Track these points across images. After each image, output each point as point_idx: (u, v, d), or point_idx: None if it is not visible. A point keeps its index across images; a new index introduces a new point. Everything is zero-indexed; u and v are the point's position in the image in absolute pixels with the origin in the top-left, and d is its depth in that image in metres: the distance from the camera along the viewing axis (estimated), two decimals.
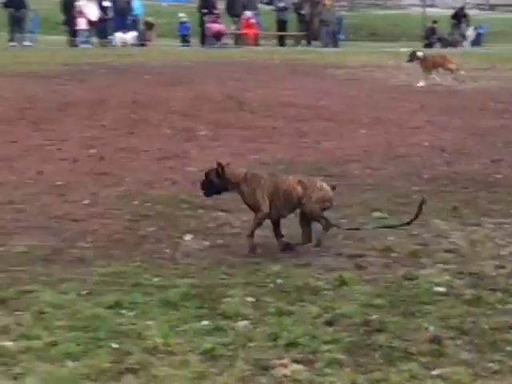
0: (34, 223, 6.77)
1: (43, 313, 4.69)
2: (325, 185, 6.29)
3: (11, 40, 25.66)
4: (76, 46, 25.80)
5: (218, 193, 6.34)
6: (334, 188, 6.33)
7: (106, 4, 26.74)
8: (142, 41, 27.12)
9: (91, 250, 6.08)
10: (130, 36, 27.04)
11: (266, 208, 6.09)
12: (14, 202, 7.40)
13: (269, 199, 6.12)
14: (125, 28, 27.01)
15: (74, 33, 26.19)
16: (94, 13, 26.32)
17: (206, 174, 6.29)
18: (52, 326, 4.50)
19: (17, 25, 25.73)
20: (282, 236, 6.24)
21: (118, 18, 26.85)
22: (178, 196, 7.72)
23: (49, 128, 11.36)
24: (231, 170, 6.24)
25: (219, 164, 6.19)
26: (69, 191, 7.79)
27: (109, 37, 26.81)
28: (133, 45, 26.63)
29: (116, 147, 10.17)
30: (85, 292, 5.08)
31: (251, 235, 6.13)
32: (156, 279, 5.35)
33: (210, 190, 6.33)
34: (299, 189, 6.16)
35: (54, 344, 4.23)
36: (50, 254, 5.94)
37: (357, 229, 6.45)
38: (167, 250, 6.09)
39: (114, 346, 4.24)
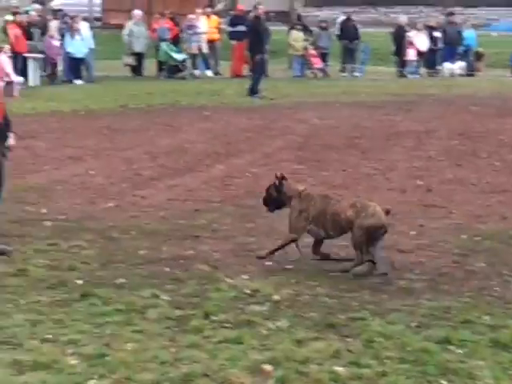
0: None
1: (372, 341, 4.76)
2: (378, 209, 6.13)
3: (342, 70, 26.61)
4: (404, 76, 26.06)
5: (279, 207, 6.54)
6: (388, 212, 6.17)
7: (437, 34, 26.73)
8: (470, 71, 26.72)
9: (418, 282, 6.06)
10: (458, 66, 26.76)
11: (298, 234, 6.31)
12: None
13: (315, 219, 6.22)
14: (453, 58, 26.79)
15: (402, 63, 26.50)
16: (424, 43, 26.44)
17: (267, 189, 6.54)
18: (381, 355, 4.54)
19: (349, 56, 26.65)
20: (320, 253, 6.43)
21: (447, 48, 26.71)
22: (508, 231, 7.45)
23: (376, 157, 11.55)
24: (289, 184, 6.48)
25: (277, 177, 6.33)
26: (397, 221, 7.85)
27: (437, 67, 26.76)
28: (460, 75, 26.33)
29: (443, 179, 10.10)
30: (413, 324, 5.08)
31: (272, 253, 6.40)
32: (486, 317, 5.20)
33: (271, 205, 6.59)
34: (350, 212, 6.14)
35: (383, 374, 4.27)
36: (378, 283, 6.02)
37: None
38: (497, 288, 5.90)
39: (444, 383, 4.18)
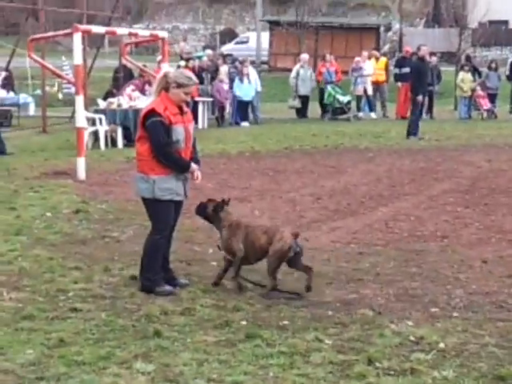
0: None
1: None
2: (285, 234, 6.61)
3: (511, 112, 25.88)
4: None
5: (206, 219, 7.05)
6: (296, 236, 6.62)
7: None
8: None
9: None
10: None
11: (241, 253, 6.71)
12: None
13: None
14: None
15: None
16: None
17: (209, 200, 7.01)
18: None
19: None
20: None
21: None
22: None
23: None
24: (227, 211, 6.91)
25: (224, 201, 6.90)
26: None
27: None
28: None
29: None
30: None
31: (235, 278, 6.78)
32: None
33: (201, 213, 7.04)
34: (262, 240, 6.64)
35: None
36: None
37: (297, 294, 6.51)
38: None
39: None
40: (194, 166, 6.89)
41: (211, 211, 7.02)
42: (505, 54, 40.53)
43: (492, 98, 25.35)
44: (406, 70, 22.01)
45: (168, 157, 6.73)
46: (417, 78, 19.17)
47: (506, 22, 45.68)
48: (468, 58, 27.32)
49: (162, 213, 6.85)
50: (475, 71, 25.79)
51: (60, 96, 28.57)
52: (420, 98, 19.00)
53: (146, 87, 20.55)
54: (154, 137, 6.68)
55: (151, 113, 6.71)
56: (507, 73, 26.13)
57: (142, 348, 5.42)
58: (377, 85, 25.57)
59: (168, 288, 6.81)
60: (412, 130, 19.02)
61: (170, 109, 6.73)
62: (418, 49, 19.89)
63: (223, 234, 6.98)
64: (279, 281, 6.85)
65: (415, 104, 19.19)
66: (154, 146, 6.69)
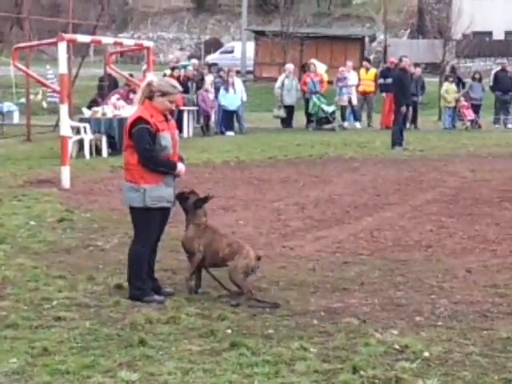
0: None
1: None
2: (251, 253, 6.78)
3: (495, 122, 26.04)
4: None
5: (183, 208, 7.06)
6: (259, 258, 6.82)
7: None
8: None
9: None
10: None
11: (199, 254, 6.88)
12: (497, 286, 7.36)
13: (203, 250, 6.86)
14: None
15: None
16: None
17: (192, 192, 7.05)
18: None
19: (502, 107, 26.08)
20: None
21: None
22: None
23: None
24: (203, 211, 6.97)
25: (206, 198, 6.99)
26: None
27: None
28: None
29: None
30: None
31: (190, 278, 6.97)
32: None
33: (181, 200, 6.99)
34: (226, 251, 6.81)
35: None
36: None
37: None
38: None
39: None
40: (180, 164, 6.89)
41: (191, 204, 7.05)
42: (488, 65, 40.80)
43: (476, 108, 25.52)
44: (391, 80, 22.12)
45: (155, 161, 6.72)
46: (399, 89, 19.30)
47: (489, 34, 46.05)
48: (453, 69, 27.47)
49: (149, 222, 6.84)
50: (459, 82, 25.96)
51: (44, 104, 28.50)
52: (403, 108, 19.11)
53: (131, 95, 20.53)
54: (139, 143, 6.67)
55: (138, 120, 6.70)
56: (491, 84, 26.31)
57: (126, 357, 5.39)
58: (364, 95, 25.68)
59: (157, 298, 6.80)
60: (396, 140, 19.10)
61: (156, 116, 6.74)
62: (400, 60, 20.04)
63: (189, 231, 7.03)
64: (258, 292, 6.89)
65: (398, 114, 19.29)
66: (140, 152, 6.68)
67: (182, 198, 7.09)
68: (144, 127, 6.65)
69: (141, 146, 6.67)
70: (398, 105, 19.23)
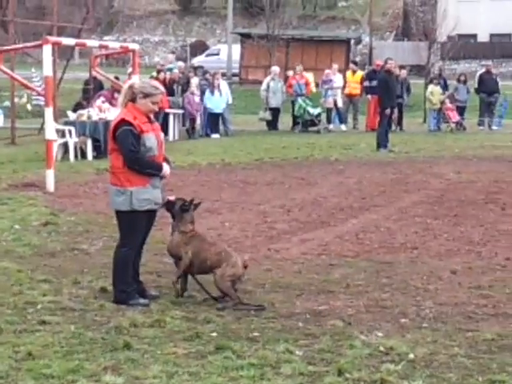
0: (501, 310, 6.69)
1: None
2: (239, 261, 6.78)
3: (480, 124, 26.15)
4: None
5: (171, 214, 7.04)
6: (246, 267, 6.83)
7: None
8: None
9: None
10: None
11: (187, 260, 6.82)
12: (482, 288, 7.39)
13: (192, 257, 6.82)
14: None
15: None
16: None
17: (178, 198, 7.02)
18: None
19: (487, 109, 26.19)
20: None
21: None
22: None
23: None
24: (191, 217, 6.96)
25: (192, 201, 6.97)
26: None
27: None
28: None
29: None
30: None
31: (177, 282, 6.92)
32: None
33: (168, 207, 7.00)
34: (214, 259, 6.79)
35: None
36: None
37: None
38: None
39: None
40: (165, 166, 6.88)
41: (178, 208, 7.02)
42: (473, 67, 40.99)
43: (461, 110, 25.61)
44: (376, 82, 22.15)
45: (140, 163, 6.70)
46: (384, 91, 19.34)
47: (474, 36, 46.27)
48: (440, 72, 27.50)
49: (135, 225, 6.82)
50: (445, 84, 26.06)
51: (29, 107, 28.38)
52: (388, 110, 19.15)
53: (116, 95, 20.50)
54: (124, 145, 6.65)
55: (121, 123, 6.69)
56: (476, 86, 26.42)
57: (111, 360, 5.38)
58: (350, 98, 25.73)
59: (142, 301, 6.78)
60: (381, 142, 19.15)
61: (139, 118, 6.72)
62: (385, 62, 20.09)
63: (175, 237, 7.00)
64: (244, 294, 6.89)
65: (383, 117, 19.34)
66: (125, 154, 6.66)
67: (169, 204, 7.07)
68: (128, 129, 6.64)
69: (125, 148, 6.65)
70: (383, 107, 19.29)
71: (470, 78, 27.22)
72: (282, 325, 6.23)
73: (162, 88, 7.11)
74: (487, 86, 26.01)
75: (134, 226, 6.82)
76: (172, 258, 7.12)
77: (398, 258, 8.65)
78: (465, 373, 5.23)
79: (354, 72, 26.23)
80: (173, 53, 38.05)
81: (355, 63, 28.32)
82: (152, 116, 6.97)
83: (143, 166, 6.73)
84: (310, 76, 25.55)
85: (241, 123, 25.86)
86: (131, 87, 6.82)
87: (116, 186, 6.78)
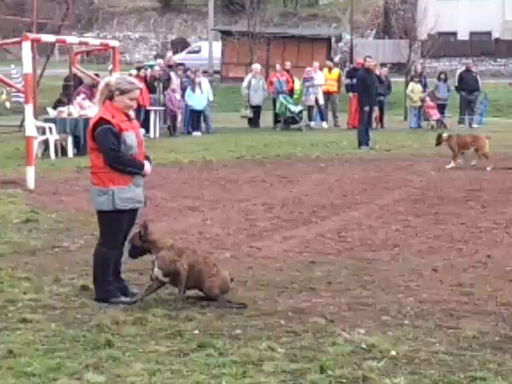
0: (482, 308, 6.72)
1: None
2: (227, 276, 6.81)
3: (460, 122, 26.27)
4: None
5: (141, 255, 6.81)
6: (232, 280, 6.87)
7: None
8: None
9: None
10: None
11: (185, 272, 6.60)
12: (463, 285, 7.42)
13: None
14: None
15: None
16: None
17: (130, 240, 6.75)
18: None
19: (468, 107, 26.32)
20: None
21: None
22: None
23: (497, 211, 11.26)
24: (158, 234, 6.84)
25: (141, 228, 6.66)
26: None
27: None
28: None
29: None
30: None
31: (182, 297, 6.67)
32: None
33: (138, 253, 6.77)
34: (213, 271, 6.73)
35: None
36: (499, 342, 5.82)
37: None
38: None
39: None
40: (146, 164, 6.85)
41: (141, 242, 6.73)
42: (454, 65, 41.14)
43: (441, 108, 25.71)
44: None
45: (122, 161, 6.65)
46: (363, 89, 19.40)
47: (454, 34, 46.44)
48: (421, 73, 27.51)
49: (117, 224, 6.79)
50: (425, 82, 26.16)
51: (7, 105, 28.13)
52: (367, 108, 19.18)
53: (95, 89, 20.41)
54: (104, 144, 6.61)
55: (100, 121, 6.64)
56: (456, 84, 26.53)
57: (92, 358, 5.35)
58: (328, 95, 25.78)
59: (124, 299, 6.76)
60: (362, 140, 19.19)
61: (118, 116, 6.67)
62: (365, 60, 20.16)
63: (165, 255, 6.66)
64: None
65: (362, 114, 19.38)
66: (105, 152, 6.61)
67: (135, 251, 6.84)
68: (107, 127, 6.58)
69: (105, 146, 6.61)
70: (362, 105, 19.33)
71: (451, 76, 27.34)
72: (264, 322, 6.22)
73: (139, 83, 7.09)
74: (467, 84, 26.14)
75: (116, 225, 6.78)
76: (167, 277, 6.74)
77: (380, 255, 8.67)
78: (446, 369, 5.25)
79: (331, 69, 26.28)
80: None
81: (331, 60, 28.36)
82: (132, 113, 6.93)
83: (125, 165, 6.68)
84: (296, 83, 25.55)
85: (222, 121, 25.84)
86: (107, 85, 6.75)
87: (98, 186, 6.73)
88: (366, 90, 19.25)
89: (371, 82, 19.59)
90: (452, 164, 15.79)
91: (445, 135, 16.50)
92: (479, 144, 15.98)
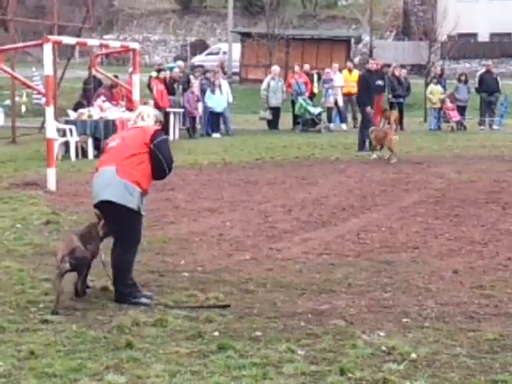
0: (503, 310, 6.69)
1: None
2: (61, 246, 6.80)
3: (481, 124, 26.14)
4: None
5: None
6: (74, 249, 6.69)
7: None
8: None
9: None
10: None
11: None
12: (483, 287, 7.39)
13: None
14: None
15: None
16: None
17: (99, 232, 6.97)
18: None
19: (488, 109, 26.18)
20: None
21: None
22: None
23: None
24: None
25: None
26: None
27: None
28: None
29: None
30: None
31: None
32: None
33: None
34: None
35: None
36: None
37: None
38: None
39: None
40: None
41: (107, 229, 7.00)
42: (474, 67, 40.97)
43: (461, 110, 25.60)
44: (379, 82, 22.04)
45: (171, 172, 7.08)
46: (364, 90, 19.27)
47: (474, 35, 46.24)
48: (442, 72, 27.39)
49: (138, 226, 6.92)
50: (445, 83, 26.06)
51: (23, 108, 28.25)
52: (369, 109, 18.98)
53: (114, 90, 20.56)
54: (166, 153, 6.92)
55: (159, 131, 7.00)
56: (476, 85, 26.41)
57: (113, 360, 5.38)
58: (349, 96, 25.71)
59: (144, 300, 6.79)
60: (361, 144, 18.81)
61: None
62: (368, 62, 20.09)
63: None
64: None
65: (364, 116, 19.18)
66: (167, 162, 6.91)
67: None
68: (166, 138, 7.14)
69: (168, 155, 6.93)
70: (363, 106, 19.14)
71: (471, 78, 27.21)
72: (284, 324, 6.23)
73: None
74: (488, 86, 26.00)
75: (137, 226, 6.86)
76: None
77: (400, 257, 8.65)
78: (467, 372, 5.23)
79: (351, 71, 26.21)
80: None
81: (351, 61, 28.29)
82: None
83: (169, 174, 7.10)
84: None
85: (241, 122, 25.86)
86: (155, 115, 7.24)
87: (126, 180, 6.73)
88: (368, 90, 19.13)
89: (373, 83, 19.49)
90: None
91: None
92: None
